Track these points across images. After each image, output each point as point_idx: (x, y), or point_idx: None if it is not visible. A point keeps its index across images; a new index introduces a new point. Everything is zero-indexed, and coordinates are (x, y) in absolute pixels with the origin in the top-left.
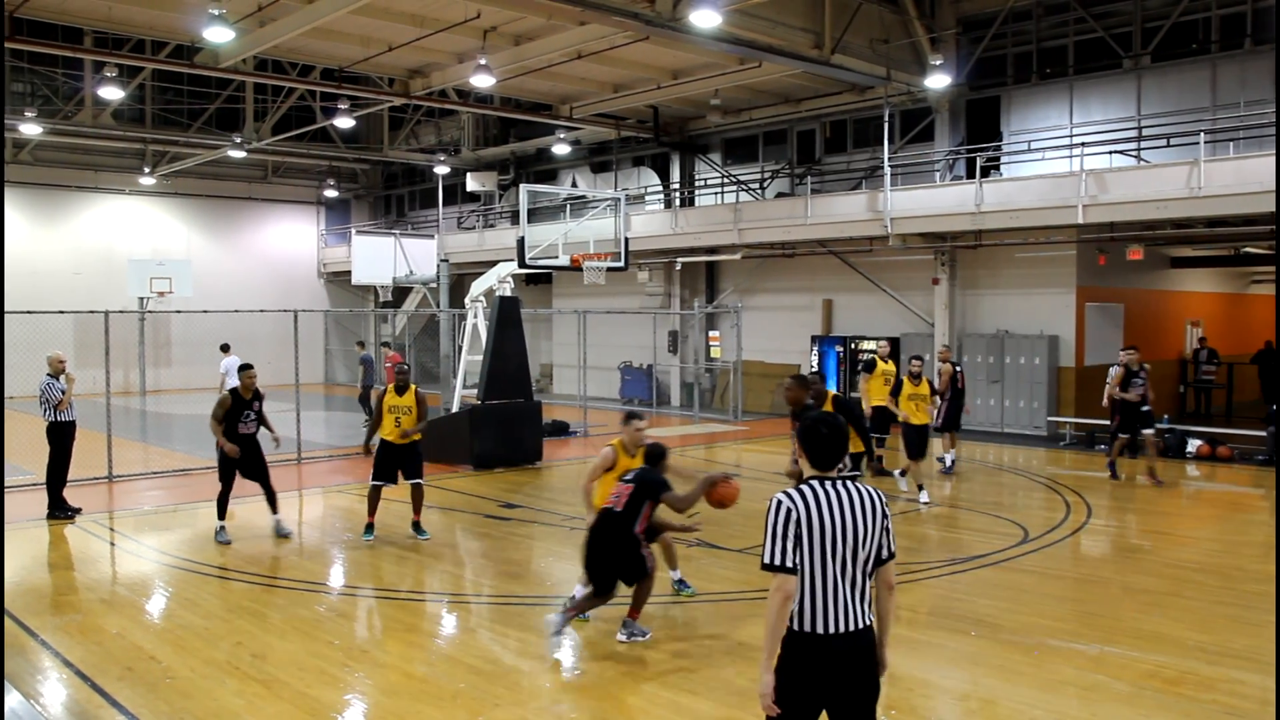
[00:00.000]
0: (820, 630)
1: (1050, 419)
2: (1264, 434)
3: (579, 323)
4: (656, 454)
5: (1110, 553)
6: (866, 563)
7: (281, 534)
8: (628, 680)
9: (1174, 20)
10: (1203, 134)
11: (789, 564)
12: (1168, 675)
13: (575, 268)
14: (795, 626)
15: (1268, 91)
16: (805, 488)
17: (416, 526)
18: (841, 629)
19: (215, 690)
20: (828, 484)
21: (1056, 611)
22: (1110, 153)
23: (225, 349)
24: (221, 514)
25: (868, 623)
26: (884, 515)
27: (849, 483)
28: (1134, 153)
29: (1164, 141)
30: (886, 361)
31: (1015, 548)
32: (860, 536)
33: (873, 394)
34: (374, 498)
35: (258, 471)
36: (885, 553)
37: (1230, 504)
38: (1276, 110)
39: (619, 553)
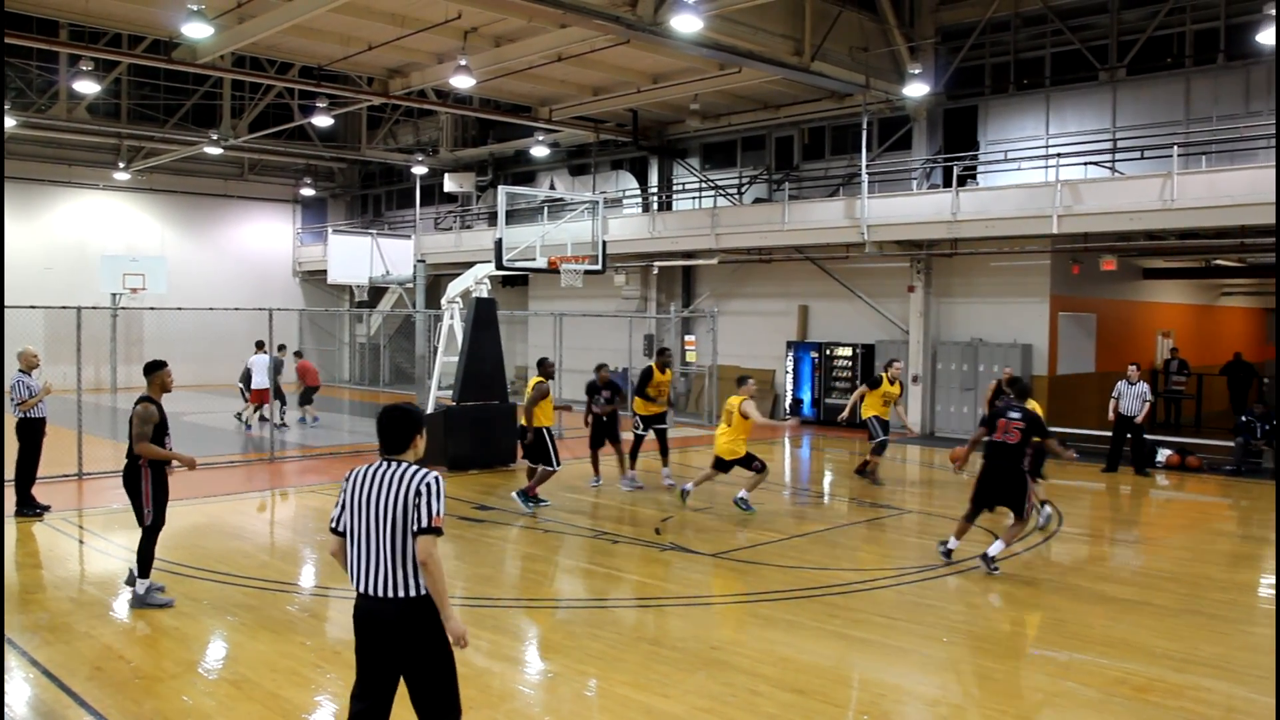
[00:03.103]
0: (363, 591)
1: None
2: (1232, 444)
3: (555, 325)
4: (1023, 389)
5: (1081, 560)
6: (397, 535)
7: (129, 583)
8: (601, 682)
9: (1149, 34)
10: (1176, 147)
11: (333, 526)
12: (1136, 682)
13: (552, 270)
14: (353, 585)
15: (1239, 106)
16: (361, 466)
17: (526, 496)
18: (378, 593)
19: (185, 690)
20: (379, 465)
21: (1027, 619)
22: (1085, 164)
23: (260, 345)
24: (149, 569)
25: (411, 594)
26: (415, 493)
27: (395, 464)
28: (1108, 164)
29: (1138, 154)
30: (894, 384)
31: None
32: (382, 509)
33: (869, 407)
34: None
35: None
36: (415, 526)
37: (1199, 513)
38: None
39: (1012, 480)
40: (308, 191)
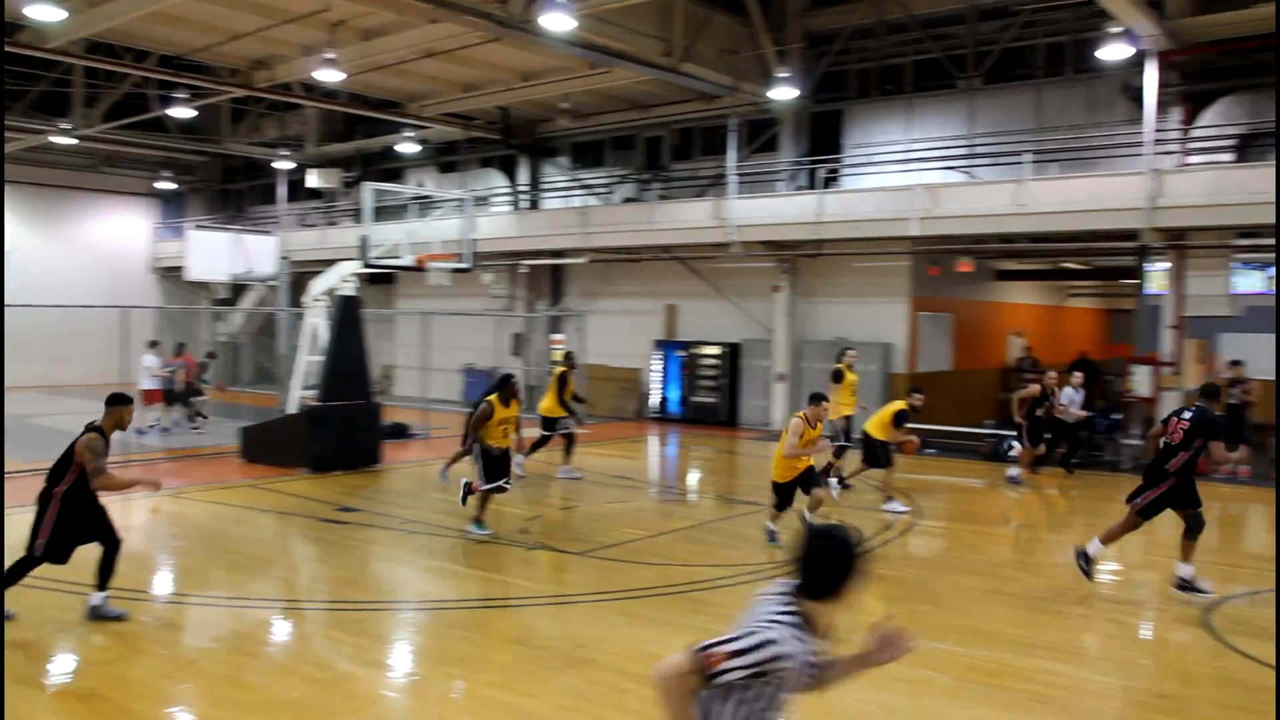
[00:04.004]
0: None
1: None
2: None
3: (422, 324)
4: (1212, 392)
5: (936, 553)
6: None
7: (110, 615)
8: (467, 684)
9: (1004, 46)
10: (1028, 154)
11: None
12: (987, 668)
13: (419, 268)
14: None
15: (1085, 117)
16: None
17: (479, 523)
18: None
19: (28, 711)
20: (779, 598)
21: (886, 609)
22: (944, 168)
23: (153, 345)
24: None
25: None
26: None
27: (788, 607)
28: (966, 169)
29: (993, 160)
30: (853, 371)
31: None
32: None
33: (841, 405)
34: (486, 500)
35: (104, 527)
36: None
37: (1045, 504)
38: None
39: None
40: (166, 185)
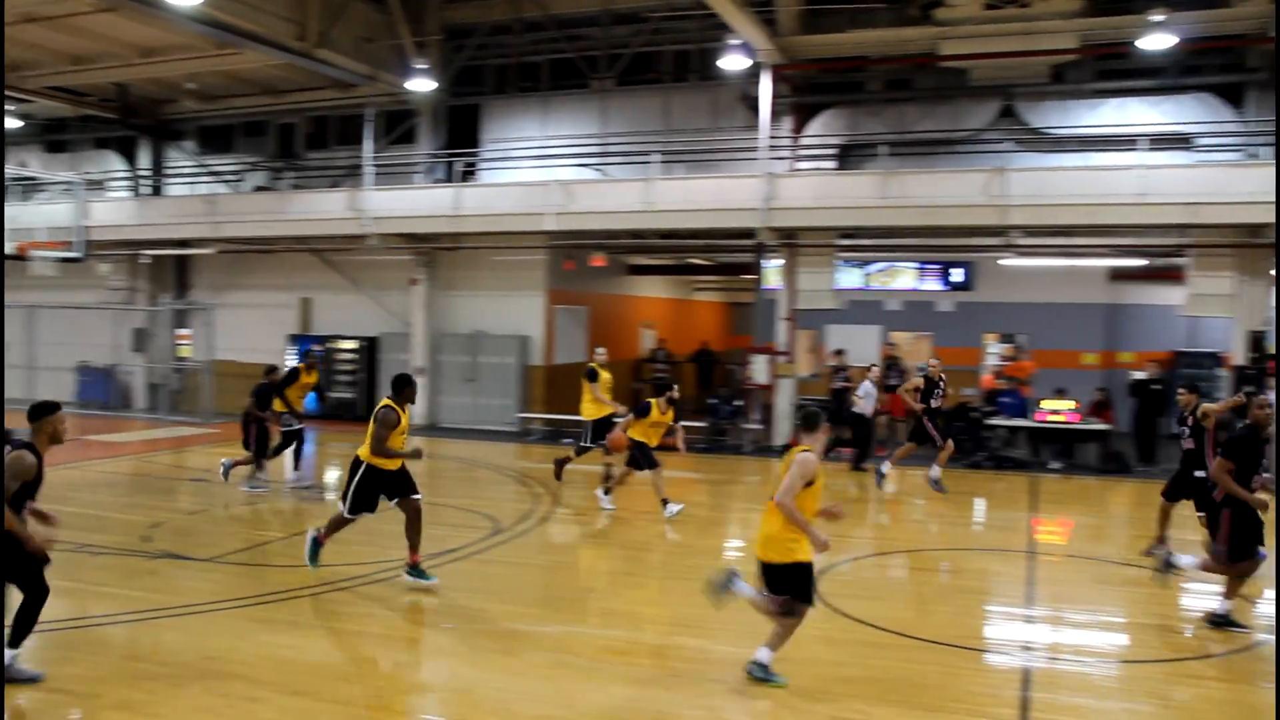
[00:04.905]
0: None
1: (520, 415)
2: (703, 424)
3: (27, 318)
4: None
5: (574, 540)
6: None
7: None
8: (84, 712)
9: (635, 50)
10: (656, 155)
11: None
12: (621, 647)
13: (21, 257)
14: None
15: (709, 121)
16: None
17: (418, 570)
18: None
19: None
20: None
21: (525, 598)
22: (578, 166)
23: None
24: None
25: None
26: None
27: None
28: (598, 167)
29: (624, 159)
30: (605, 370)
31: (487, 539)
32: None
33: (597, 405)
34: (342, 526)
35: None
36: None
37: (674, 488)
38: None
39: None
40: None
